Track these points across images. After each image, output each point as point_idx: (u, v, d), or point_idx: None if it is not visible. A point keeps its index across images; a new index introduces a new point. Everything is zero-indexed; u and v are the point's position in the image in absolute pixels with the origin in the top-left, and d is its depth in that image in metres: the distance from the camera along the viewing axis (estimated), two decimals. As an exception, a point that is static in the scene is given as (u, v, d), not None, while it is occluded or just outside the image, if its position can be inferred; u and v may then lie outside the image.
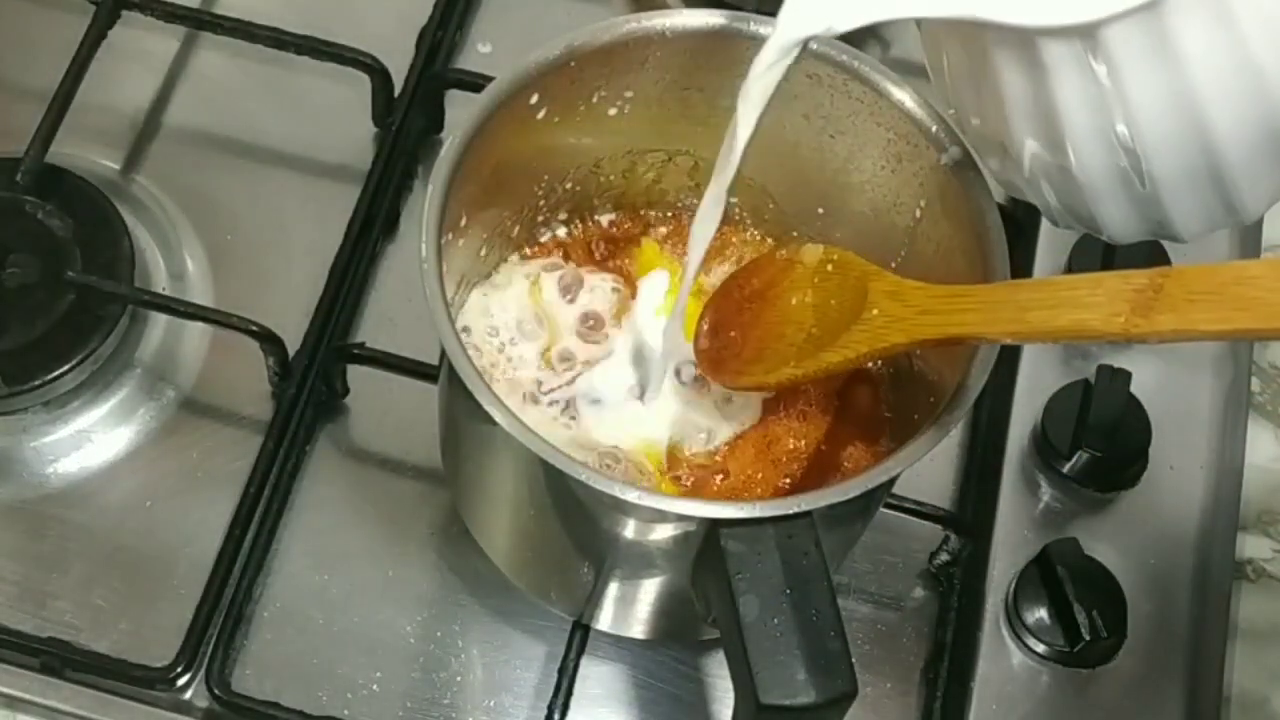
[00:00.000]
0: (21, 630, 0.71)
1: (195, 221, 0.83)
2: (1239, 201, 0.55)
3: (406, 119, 0.84)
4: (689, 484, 0.66)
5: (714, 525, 0.55)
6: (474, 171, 0.62)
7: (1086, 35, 0.51)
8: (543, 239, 0.72)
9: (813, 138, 0.67)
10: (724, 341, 0.65)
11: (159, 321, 0.80)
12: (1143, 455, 0.75)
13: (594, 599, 0.68)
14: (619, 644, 0.73)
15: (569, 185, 0.70)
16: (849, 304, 0.60)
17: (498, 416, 0.56)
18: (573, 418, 0.67)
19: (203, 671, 0.71)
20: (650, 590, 0.66)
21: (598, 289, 0.71)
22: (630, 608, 0.69)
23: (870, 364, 0.68)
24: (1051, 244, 0.80)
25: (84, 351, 0.76)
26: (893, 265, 0.66)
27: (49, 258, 0.77)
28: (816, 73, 0.64)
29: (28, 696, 0.70)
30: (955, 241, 0.63)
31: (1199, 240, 0.78)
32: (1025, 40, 0.52)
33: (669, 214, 0.73)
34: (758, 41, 0.63)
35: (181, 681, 0.71)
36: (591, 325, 0.69)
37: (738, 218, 0.73)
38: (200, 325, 0.79)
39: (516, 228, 0.70)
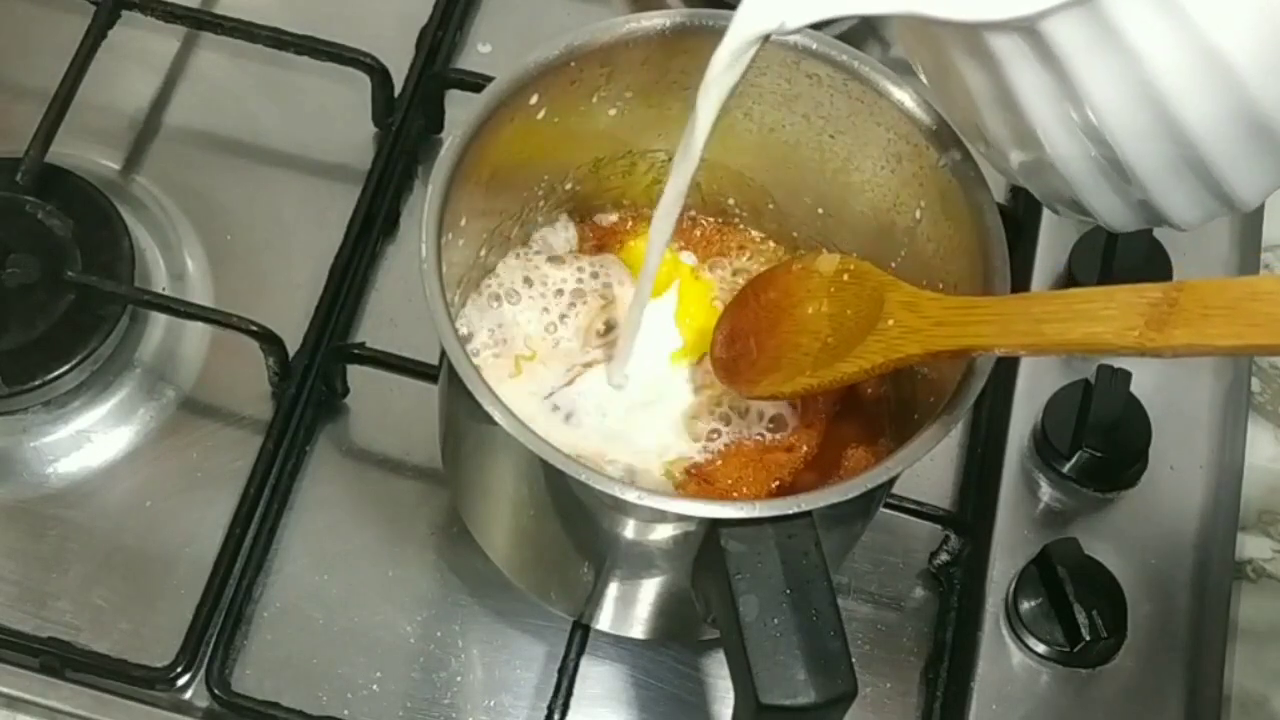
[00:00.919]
0: (21, 630, 0.71)
1: (195, 221, 0.83)
2: (1230, 191, 0.54)
3: (406, 119, 0.84)
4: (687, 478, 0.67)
5: (714, 525, 0.55)
6: (474, 171, 0.62)
7: (1026, 29, 0.51)
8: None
9: (813, 138, 0.67)
10: (740, 350, 0.65)
11: (159, 321, 0.80)
12: (1143, 455, 0.75)
13: (594, 599, 0.68)
14: (619, 644, 0.73)
15: (569, 185, 0.70)
16: (865, 314, 0.60)
17: (498, 416, 0.56)
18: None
19: (203, 671, 0.71)
20: (650, 590, 0.66)
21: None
22: (630, 608, 0.69)
23: None
24: (1051, 244, 0.80)
25: (84, 351, 0.76)
26: (893, 265, 0.66)
27: (49, 258, 0.77)
28: (816, 73, 0.64)
29: (28, 696, 0.70)
30: (955, 241, 0.63)
31: (1198, 241, 0.78)
32: (973, 34, 0.52)
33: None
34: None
35: (181, 681, 0.71)
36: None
37: (737, 218, 0.73)
38: (200, 325, 0.79)
39: (516, 228, 0.70)
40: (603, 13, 0.88)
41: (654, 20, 0.64)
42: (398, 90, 0.84)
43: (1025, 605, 0.71)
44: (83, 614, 0.73)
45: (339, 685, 0.72)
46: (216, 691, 0.70)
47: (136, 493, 0.76)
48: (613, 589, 0.67)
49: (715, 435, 0.67)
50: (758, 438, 0.68)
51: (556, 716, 0.70)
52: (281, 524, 0.75)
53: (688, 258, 0.72)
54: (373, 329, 0.80)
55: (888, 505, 0.73)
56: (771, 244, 0.73)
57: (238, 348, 0.76)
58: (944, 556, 0.75)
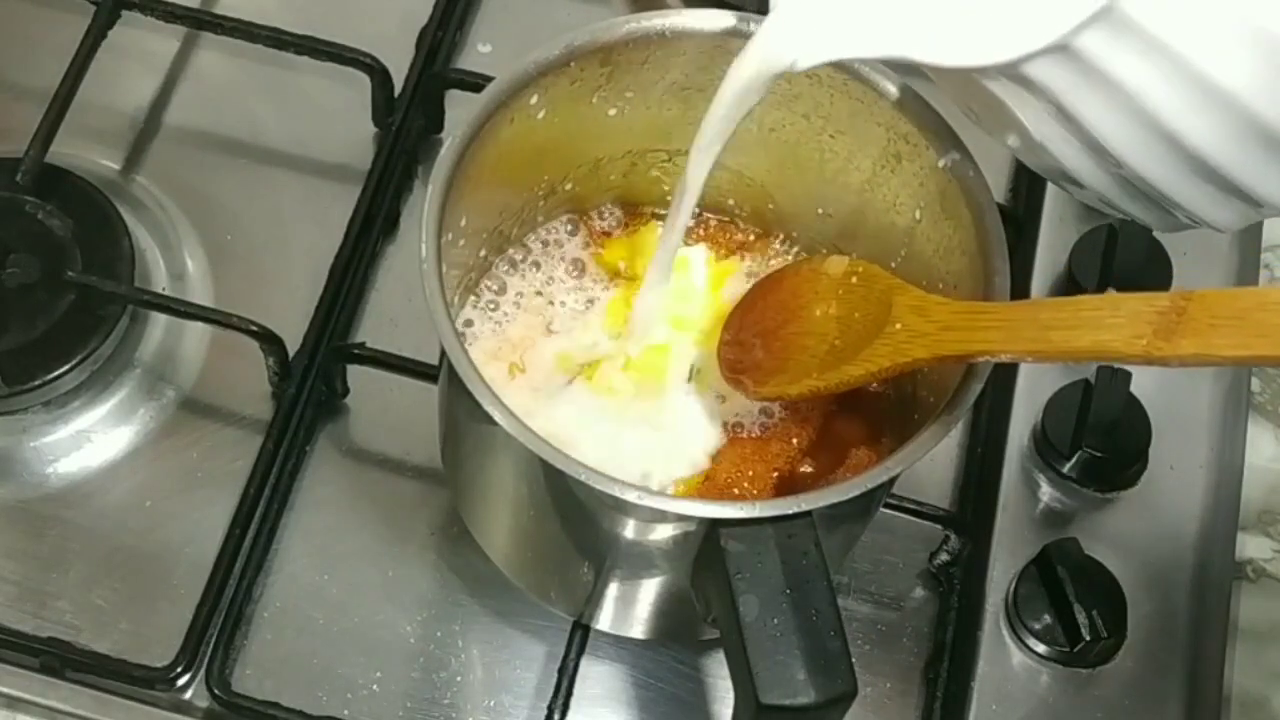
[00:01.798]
0: (21, 630, 0.71)
1: (195, 221, 0.83)
2: (1259, 198, 0.54)
3: (406, 119, 0.84)
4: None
5: (714, 525, 0.55)
6: (474, 171, 0.62)
7: (1010, 72, 0.51)
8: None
9: (812, 138, 0.67)
10: (746, 351, 0.65)
11: (159, 321, 0.80)
12: (1143, 455, 0.75)
13: (594, 599, 0.68)
14: (619, 644, 0.73)
15: (569, 185, 0.70)
16: (873, 317, 0.60)
17: (498, 416, 0.56)
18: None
19: (203, 671, 0.71)
20: (650, 590, 0.66)
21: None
22: (630, 608, 0.69)
23: None
24: (1051, 244, 0.80)
25: (84, 351, 0.76)
26: (892, 265, 0.66)
27: (49, 258, 0.77)
28: (816, 73, 0.64)
29: (28, 696, 0.70)
30: (955, 241, 0.63)
31: (1198, 241, 0.78)
32: (968, 76, 0.52)
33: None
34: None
35: (181, 681, 0.71)
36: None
37: (737, 217, 0.73)
38: (200, 325, 0.79)
39: (516, 228, 0.70)
40: (603, 13, 0.88)
41: (654, 20, 0.64)
42: (398, 90, 0.84)
43: (1025, 605, 0.71)
44: (83, 614, 0.73)
45: (339, 685, 0.72)
46: (216, 691, 0.70)
47: (136, 493, 0.76)
48: (613, 589, 0.67)
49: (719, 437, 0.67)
50: (754, 430, 0.67)
51: (556, 716, 0.70)
52: (281, 524, 0.75)
53: (698, 253, 0.72)
54: (373, 329, 0.80)
55: (888, 505, 0.73)
56: (776, 244, 0.73)
57: (238, 348, 0.76)
58: (944, 556, 0.75)
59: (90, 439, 0.77)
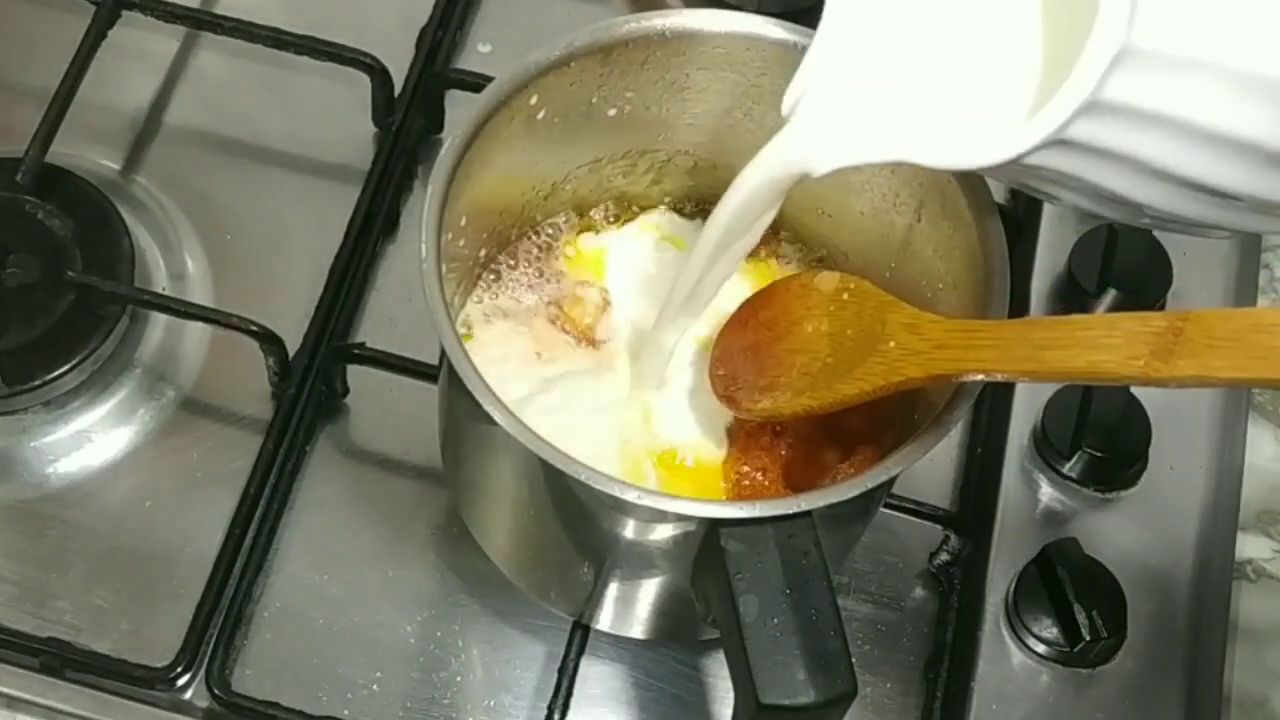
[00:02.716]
0: (21, 630, 0.71)
1: (195, 221, 0.83)
2: None
3: (406, 119, 0.84)
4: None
5: (714, 525, 0.55)
6: (474, 171, 0.62)
7: (1010, 165, 0.51)
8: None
9: (813, 138, 0.67)
10: (738, 368, 0.65)
11: (159, 321, 0.80)
12: (1143, 455, 0.75)
13: (594, 599, 0.68)
14: (619, 644, 0.73)
15: (569, 185, 0.70)
16: (865, 334, 0.60)
17: (498, 416, 0.56)
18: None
19: (203, 671, 0.71)
20: (650, 590, 0.66)
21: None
22: (630, 608, 0.69)
23: None
24: (1051, 244, 0.80)
25: (84, 351, 0.76)
26: (892, 265, 0.66)
27: (49, 258, 0.77)
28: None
29: (28, 696, 0.70)
30: (955, 241, 0.63)
31: (1198, 241, 0.78)
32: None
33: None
34: (758, 42, 0.64)
35: (181, 681, 0.71)
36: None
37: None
38: (200, 325, 0.79)
39: (516, 228, 0.70)
40: (603, 13, 0.88)
41: (654, 20, 0.64)
42: (398, 90, 0.84)
43: (1025, 605, 0.71)
44: (83, 614, 0.73)
45: (339, 685, 0.72)
46: (216, 691, 0.70)
47: (136, 493, 0.76)
48: (613, 589, 0.67)
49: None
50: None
51: (556, 716, 0.70)
52: (281, 524, 0.75)
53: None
54: (373, 329, 0.80)
55: (888, 505, 0.73)
56: (776, 245, 0.73)
57: (238, 348, 0.76)
58: (944, 556, 0.75)
59: (90, 439, 0.77)
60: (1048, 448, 0.75)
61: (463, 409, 0.61)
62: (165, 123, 0.86)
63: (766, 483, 0.66)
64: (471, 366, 0.57)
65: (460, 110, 0.66)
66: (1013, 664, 0.71)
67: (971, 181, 0.62)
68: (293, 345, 0.77)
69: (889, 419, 0.67)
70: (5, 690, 0.70)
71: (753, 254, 0.72)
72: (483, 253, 0.69)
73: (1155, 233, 0.78)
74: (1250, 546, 0.77)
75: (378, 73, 0.83)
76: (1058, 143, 0.49)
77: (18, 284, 0.76)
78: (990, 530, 0.74)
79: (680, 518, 0.58)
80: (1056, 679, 0.70)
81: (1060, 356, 0.53)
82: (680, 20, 0.64)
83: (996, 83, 0.54)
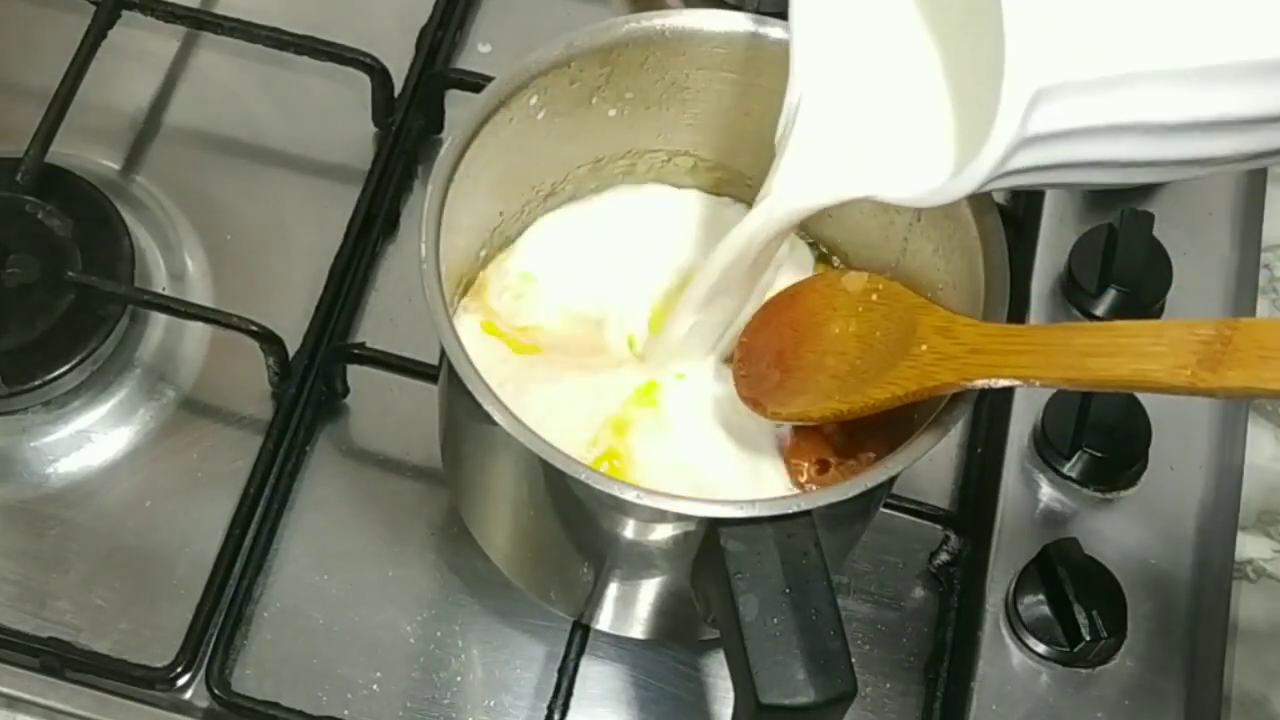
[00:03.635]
0: (21, 630, 0.71)
1: (195, 221, 0.83)
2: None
3: (406, 119, 0.84)
4: None
5: (714, 525, 0.55)
6: (474, 171, 0.62)
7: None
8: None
9: (813, 137, 0.67)
10: (763, 370, 0.63)
11: (159, 321, 0.80)
12: (1143, 455, 0.75)
13: (594, 599, 0.68)
14: (619, 644, 0.73)
15: (569, 185, 0.70)
16: (896, 336, 0.59)
17: (498, 416, 0.56)
18: None
19: (203, 671, 0.71)
20: (650, 590, 0.66)
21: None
22: (630, 608, 0.69)
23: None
24: (1051, 244, 0.80)
25: (84, 351, 0.76)
26: (892, 264, 0.66)
27: (49, 258, 0.77)
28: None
29: (28, 696, 0.70)
30: (955, 241, 0.63)
31: (1198, 241, 0.78)
32: None
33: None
34: (757, 42, 0.64)
35: (181, 681, 0.71)
36: None
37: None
38: (200, 325, 0.79)
39: (516, 228, 0.70)
40: (603, 13, 0.88)
41: (654, 20, 0.64)
42: (398, 90, 0.84)
43: (1025, 605, 0.71)
44: (83, 614, 0.73)
45: (339, 685, 0.72)
46: (216, 691, 0.70)
47: (136, 493, 0.76)
48: (613, 589, 0.67)
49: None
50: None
51: (556, 716, 0.70)
52: (281, 524, 0.75)
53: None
54: (373, 329, 0.80)
55: (888, 505, 0.73)
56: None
57: (238, 348, 0.76)
58: (944, 556, 0.75)
59: (90, 439, 0.77)
60: (1048, 448, 0.75)
61: (463, 409, 0.61)
62: (165, 123, 0.86)
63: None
64: (471, 366, 0.57)
65: (460, 110, 0.66)
66: (1013, 664, 0.71)
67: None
68: (293, 345, 0.77)
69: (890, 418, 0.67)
70: (5, 690, 0.70)
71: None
72: (483, 252, 0.69)
73: (1155, 233, 0.78)
74: (1250, 546, 0.77)
75: (378, 73, 0.83)
76: (1004, 177, 0.50)
77: (18, 284, 0.76)
78: (990, 530, 0.74)
79: (680, 517, 0.58)
80: (1056, 679, 0.70)
81: (1104, 364, 0.51)
82: (680, 20, 0.64)
83: (951, 119, 0.54)
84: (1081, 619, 0.69)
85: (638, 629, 0.71)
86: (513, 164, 0.66)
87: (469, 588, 0.75)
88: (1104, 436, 0.74)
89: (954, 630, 0.74)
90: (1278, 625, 0.76)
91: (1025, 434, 0.76)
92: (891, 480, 0.58)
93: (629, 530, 0.60)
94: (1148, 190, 0.81)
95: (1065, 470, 0.74)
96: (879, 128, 0.58)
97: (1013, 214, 0.82)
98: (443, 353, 0.59)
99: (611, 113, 0.67)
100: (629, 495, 0.55)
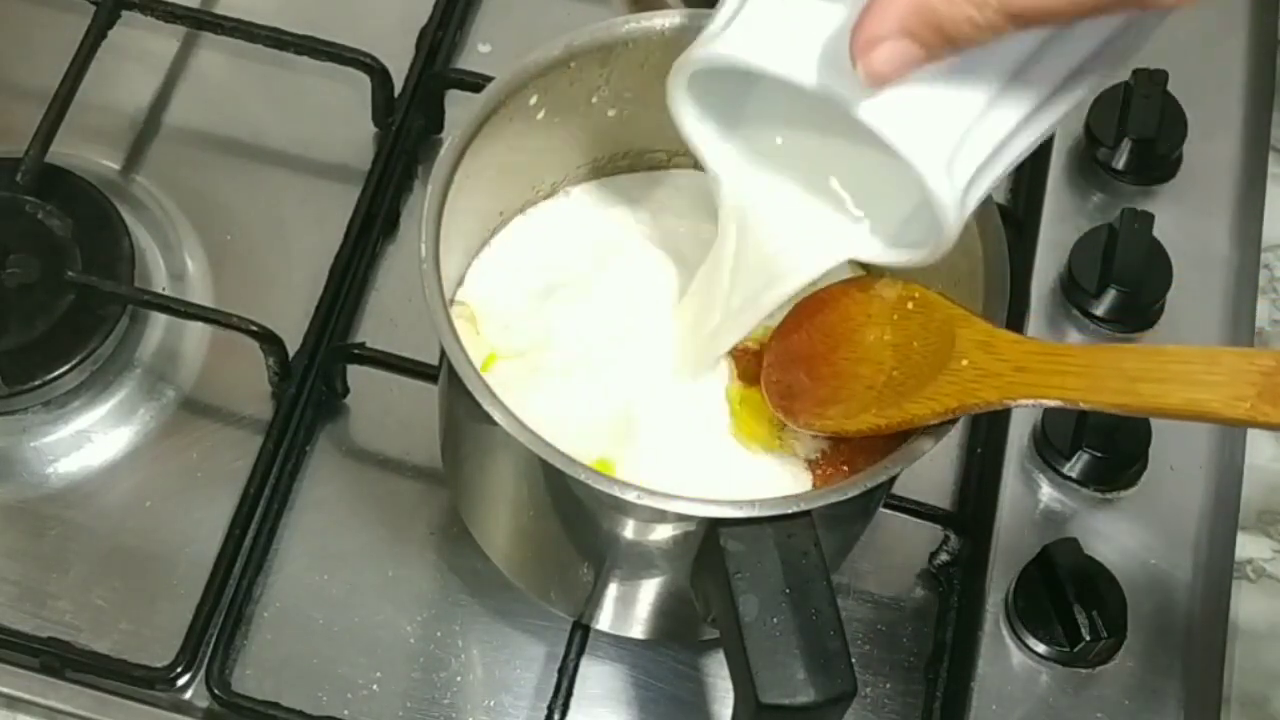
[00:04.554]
0: (21, 630, 0.71)
1: (195, 221, 0.83)
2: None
3: (406, 119, 0.84)
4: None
5: (714, 525, 0.55)
6: (474, 171, 0.62)
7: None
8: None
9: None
10: (794, 377, 0.62)
11: (159, 321, 0.80)
12: (1143, 455, 0.75)
13: (594, 599, 0.68)
14: (619, 644, 0.73)
15: (569, 185, 0.70)
16: (933, 348, 0.57)
17: (498, 416, 0.56)
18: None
19: (203, 671, 0.71)
20: (650, 590, 0.66)
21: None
22: (630, 608, 0.69)
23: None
24: (1051, 244, 0.80)
25: (84, 351, 0.76)
26: (893, 264, 0.66)
27: (49, 258, 0.77)
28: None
29: (28, 696, 0.70)
30: (955, 241, 0.63)
31: (1198, 241, 0.78)
32: None
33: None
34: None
35: (181, 681, 0.71)
36: None
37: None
38: (200, 325, 0.79)
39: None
40: (603, 13, 0.88)
41: (654, 20, 0.64)
42: (398, 90, 0.84)
43: (1025, 605, 0.71)
44: (83, 614, 0.73)
45: (339, 685, 0.72)
46: (216, 691, 0.70)
47: (136, 493, 0.76)
48: (613, 589, 0.67)
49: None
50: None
51: (556, 716, 0.70)
52: (281, 524, 0.75)
53: None
54: (373, 329, 0.80)
55: (888, 505, 0.73)
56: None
57: (238, 348, 0.76)
58: (944, 556, 0.75)
59: (90, 439, 0.77)
60: (1048, 448, 0.75)
61: (463, 409, 0.61)
62: (165, 123, 0.86)
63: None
64: (472, 366, 0.57)
65: (460, 110, 0.66)
66: (1013, 664, 0.71)
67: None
68: (293, 345, 0.77)
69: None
70: (5, 690, 0.70)
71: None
72: (483, 252, 0.69)
73: (1155, 233, 0.78)
74: (1250, 546, 0.77)
75: (378, 73, 0.83)
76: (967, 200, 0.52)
77: (18, 284, 0.76)
78: (990, 530, 0.74)
79: (680, 517, 0.58)
80: (1056, 679, 0.70)
81: (1155, 391, 0.50)
82: (680, 20, 0.64)
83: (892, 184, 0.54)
84: (1081, 619, 0.69)
85: (638, 629, 0.71)
86: (513, 164, 0.66)
87: (469, 588, 0.75)
88: (1104, 437, 0.74)
89: (954, 630, 0.74)
90: (1278, 625, 0.76)
91: (1025, 434, 0.76)
92: (891, 480, 0.58)
93: (629, 530, 0.60)
94: (1148, 190, 0.81)
95: (1065, 470, 0.74)
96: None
97: (1013, 214, 0.82)
98: (443, 353, 0.59)
99: (611, 113, 0.67)
100: (629, 495, 0.55)
